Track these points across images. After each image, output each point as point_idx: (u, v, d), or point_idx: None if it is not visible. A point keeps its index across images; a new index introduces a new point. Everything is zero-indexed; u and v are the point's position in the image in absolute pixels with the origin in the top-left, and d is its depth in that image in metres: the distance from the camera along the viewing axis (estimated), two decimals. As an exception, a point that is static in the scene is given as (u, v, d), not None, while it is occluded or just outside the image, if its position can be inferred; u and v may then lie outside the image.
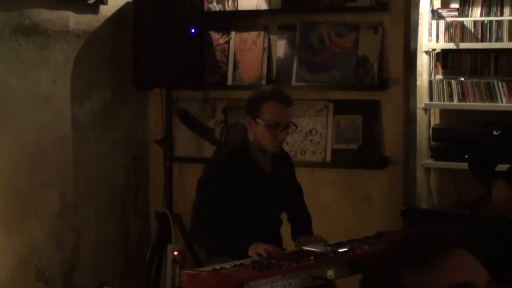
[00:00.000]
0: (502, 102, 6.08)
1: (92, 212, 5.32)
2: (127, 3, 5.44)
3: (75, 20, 5.11)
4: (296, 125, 4.18)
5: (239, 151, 4.01)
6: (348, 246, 3.79)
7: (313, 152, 5.37)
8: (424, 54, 6.33)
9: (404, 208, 2.69)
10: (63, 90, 5.07)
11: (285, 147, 5.27)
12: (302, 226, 4.18)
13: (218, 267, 3.43)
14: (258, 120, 3.92)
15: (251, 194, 3.93)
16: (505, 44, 6.14)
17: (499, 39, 6.15)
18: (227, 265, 3.47)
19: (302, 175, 5.25)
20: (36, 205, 4.90)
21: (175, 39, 5.17)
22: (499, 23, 6.14)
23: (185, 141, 5.65)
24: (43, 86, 4.92)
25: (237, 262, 3.53)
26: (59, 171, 5.05)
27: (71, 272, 5.16)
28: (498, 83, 6.09)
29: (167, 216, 5.10)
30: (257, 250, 3.68)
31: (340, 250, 3.69)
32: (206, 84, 5.48)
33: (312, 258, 3.57)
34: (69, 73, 5.10)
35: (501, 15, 6.22)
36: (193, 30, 5.18)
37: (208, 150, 5.53)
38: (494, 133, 5.82)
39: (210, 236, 3.92)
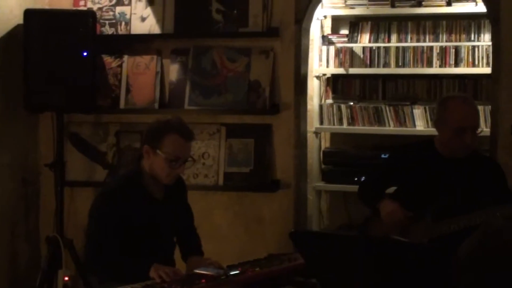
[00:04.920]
0: (389, 126, 6.25)
1: (-20, 237, 5.21)
2: (18, 26, 5.37)
3: (-36, 42, 5.03)
4: (194, 160, 4.17)
5: (131, 179, 3.97)
6: (240, 269, 3.80)
7: (206, 176, 5.41)
8: (314, 78, 6.46)
9: (293, 230, 2.74)
10: (-50, 113, 4.97)
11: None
12: (193, 247, 4.19)
13: (109, 292, 3.41)
14: (158, 151, 3.86)
15: (143, 221, 3.91)
16: (392, 70, 6.32)
17: (386, 64, 6.32)
18: (118, 290, 3.45)
19: (195, 198, 5.26)
20: None
21: (66, 62, 5.13)
22: (387, 49, 6.32)
23: (77, 165, 5.60)
24: None
25: (128, 287, 3.51)
26: None
27: (-43, 299, 5.04)
28: (385, 107, 6.26)
29: (57, 241, 5.04)
30: (159, 272, 3.67)
31: (231, 273, 3.71)
32: (98, 107, 5.45)
33: (203, 281, 3.58)
34: (-43, 96, 5.01)
35: (389, 41, 6.41)
36: (85, 54, 5.16)
37: (100, 174, 5.49)
38: (382, 156, 5.97)
39: (102, 266, 3.88)
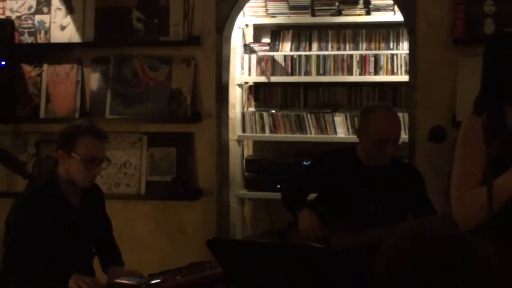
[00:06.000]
0: (311, 133, 6.33)
1: None
2: None
3: None
4: (110, 160, 4.16)
5: (46, 186, 3.95)
6: (161, 278, 3.80)
7: (128, 185, 5.38)
8: (237, 87, 6.49)
9: (210, 238, 2.76)
10: None
11: (100, 180, 5.26)
12: (113, 257, 4.17)
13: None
14: (73, 154, 3.86)
15: (61, 228, 3.89)
16: (313, 78, 6.40)
17: (307, 73, 6.40)
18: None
19: (117, 208, 5.26)
20: None
21: (-16, 71, 5.06)
22: (308, 57, 6.40)
23: (-4, 176, 5.52)
24: None
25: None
26: None
27: None
28: (307, 115, 6.33)
29: (-24, 253, 4.95)
30: (78, 283, 3.64)
31: (152, 282, 3.71)
32: (17, 117, 5.39)
33: (124, 290, 3.58)
34: None
35: (310, 50, 6.49)
36: (3, 63, 5.09)
37: (20, 185, 5.39)
38: (304, 163, 6.03)
39: (20, 277, 3.83)
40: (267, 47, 6.57)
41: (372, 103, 6.11)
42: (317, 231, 4.19)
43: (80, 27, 5.46)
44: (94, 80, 5.47)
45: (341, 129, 6.29)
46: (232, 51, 5.90)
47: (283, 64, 6.44)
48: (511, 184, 2.66)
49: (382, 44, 6.40)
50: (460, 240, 1.54)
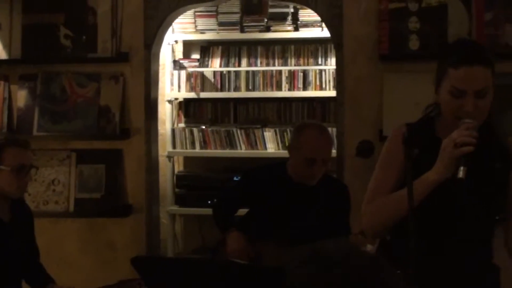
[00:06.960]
0: (241, 149, 6.35)
1: None
2: None
3: None
4: (37, 168, 4.17)
5: None
6: (90, 296, 3.80)
7: (56, 202, 5.33)
8: (167, 103, 6.49)
9: (134, 256, 2.75)
10: None
11: (28, 197, 5.21)
12: (44, 276, 4.14)
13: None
14: (1, 167, 3.85)
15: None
16: (243, 94, 6.43)
17: (237, 88, 6.43)
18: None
19: (45, 226, 5.20)
20: None
21: None
22: (237, 73, 6.43)
23: None
24: None
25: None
26: None
27: None
28: (237, 130, 6.36)
29: None
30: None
31: (80, 301, 3.70)
32: None
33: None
34: None
35: (239, 66, 6.53)
36: None
37: None
38: (235, 178, 6.05)
39: None
40: (197, 63, 6.59)
41: (305, 120, 6.12)
42: (244, 253, 4.19)
43: (7, 44, 5.41)
44: (21, 97, 5.42)
45: (271, 145, 6.33)
46: (161, 67, 5.90)
47: (212, 80, 6.46)
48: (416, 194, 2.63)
49: (311, 60, 6.47)
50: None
